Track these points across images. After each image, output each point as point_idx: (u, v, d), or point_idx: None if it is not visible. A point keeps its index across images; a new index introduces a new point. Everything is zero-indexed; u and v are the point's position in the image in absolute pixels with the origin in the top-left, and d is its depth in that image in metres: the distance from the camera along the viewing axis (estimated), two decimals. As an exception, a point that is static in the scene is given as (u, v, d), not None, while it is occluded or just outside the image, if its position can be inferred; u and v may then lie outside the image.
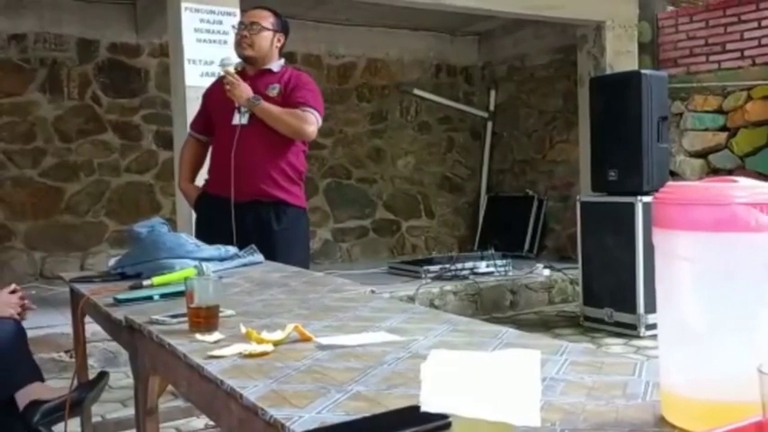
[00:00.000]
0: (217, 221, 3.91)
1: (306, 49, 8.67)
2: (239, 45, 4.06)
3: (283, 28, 4.15)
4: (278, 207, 4.00)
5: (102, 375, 3.13)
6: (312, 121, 3.92)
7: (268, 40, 4.04)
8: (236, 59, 4.06)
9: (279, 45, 4.12)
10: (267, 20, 4.07)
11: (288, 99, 3.96)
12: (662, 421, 1.15)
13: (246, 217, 3.93)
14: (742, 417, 0.92)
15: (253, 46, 4.02)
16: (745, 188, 1.06)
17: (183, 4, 5.48)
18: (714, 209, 1.05)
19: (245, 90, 3.90)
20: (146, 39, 7.82)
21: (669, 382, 1.15)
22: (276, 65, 4.12)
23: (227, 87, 3.91)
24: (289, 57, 8.53)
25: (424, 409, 0.99)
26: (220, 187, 3.98)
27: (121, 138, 7.84)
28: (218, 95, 4.05)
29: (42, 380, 3.11)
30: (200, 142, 4.31)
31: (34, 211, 7.49)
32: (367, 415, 1.22)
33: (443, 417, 1.01)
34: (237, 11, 5.53)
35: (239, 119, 3.95)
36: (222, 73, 3.99)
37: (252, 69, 4.07)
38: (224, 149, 3.97)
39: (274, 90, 3.99)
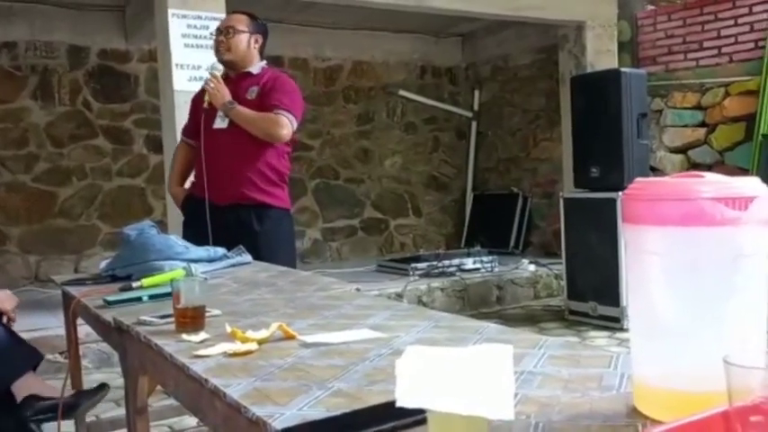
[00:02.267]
0: (200, 223, 3.91)
1: (293, 53, 8.67)
2: (217, 50, 4.10)
3: (260, 29, 4.17)
4: (259, 210, 4.00)
5: (102, 387, 3.12)
6: (284, 124, 3.91)
7: (244, 42, 4.06)
8: (220, 65, 4.08)
9: (257, 46, 4.13)
10: (242, 23, 4.10)
11: (264, 101, 3.96)
12: (634, 412, 1.15)
13: (228, 220, 3.93)
14: (710, 406, 0.92)
15: (230, 49, 4.05)
16: (711, 183, 1.06)
17: (171, 11, 5.49)
18: (681, 204, 1.05)
19: (224, 94, 3.93)
20: (135, 45, 7.81)
21: (640, 373, 1.16)
22: (257, 67, 4.13)
23: (207, 89, 3.96)
24: (276, 60, 8.54)
25: (399, 404, 0.98)
26: (203, 190, 4.00)
27: (113, 142, 7.83)
28: (203, 101, 4.06)
29: (40, 357, 3.10)
30: (191, 147, 4.30)
31: (28, 216, 7.48)
32: (346, 411, 1.23)
33: (420, 412, 1.01)
34: (224, 16, 5.52)
35: (220, 123, 3.98)
36: (208, 77, 4.01)
37: (233, 73, 4.09)
38: (205, 153, 3.99)
39: (253, 93, 4.01)
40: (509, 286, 7.15)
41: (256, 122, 3.91)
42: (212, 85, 3.96)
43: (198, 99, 4.25)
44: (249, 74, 4.10)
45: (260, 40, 4.15)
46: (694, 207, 1.04)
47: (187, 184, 4.35)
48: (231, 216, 3.94)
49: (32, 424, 2.86)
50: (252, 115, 3.91)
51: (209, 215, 3.92)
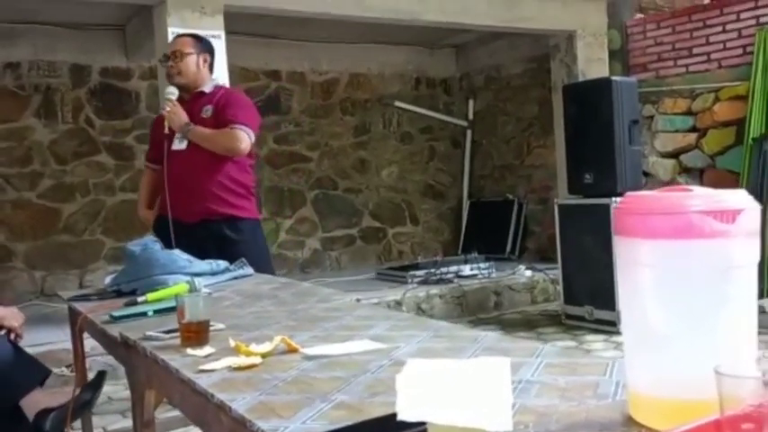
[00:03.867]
0: (174, 242, 3.86)
1: (290, 67, 8.69)
2: (168, 75, 4.16)
3: (206, 48, 4.24)
4: (230, 223, 4.06)
5: (102, 375, 3.13)
6: (242, 138, 3.96)
7: (193, 63, 4.12)
8: (174, 90, 4.12)
9: (206, 65, 4.19)
10: (187, 45, 4.15)
11: (219, 118, 4.02)
12: (630, 420, 1.16)
13: (200, 236, 3.95)
14: (703, 414, 0.93)
15: (180, 73, 4.11)
16: (699, 197, 1.07)
17: (170, 29, 5.51)
18: (671, 217, 1.06)
19: (181, 117, 4.00)
20: (135, 62, 7.82)
21: (635, 382, 1.16)
22: (209, 86, 4.20)
23: (165, 115, 4.03)
24: (274, 75, 8.59)
25: (400, 417, 0.99)
26: (170, 209, 4.02)
27: (115, 158, 7.82)
28: (162, 125, 4.11)
29: (48, 372, 3.10)
30: (156, 171, 4.36)
31: (33, 232, 7.47)
32: (349, 423, 1.23)
33: (420, 423, 1.02)
34: (222, 33, 5.56)
35: (178, 144, 4.04)
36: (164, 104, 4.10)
37: (187, 95, 4.14)
38: (168, 174, 4.03)
39: (208, 112, 4.07)
40: (506, 292, 7.15)
41: (214, 139, 3.98)
42: (168, 109, 4.02)
43: (157, 125, 4.31)
44: (202, 93, 4.16)
45: (208, 59, 4.21)
46: (684, 220, 1.05)
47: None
48: (203, 232, 3.98)
49: None
50: (209, 133, 3.98)
51: (173, 233, 3.94)
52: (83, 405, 2.98)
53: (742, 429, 0.84)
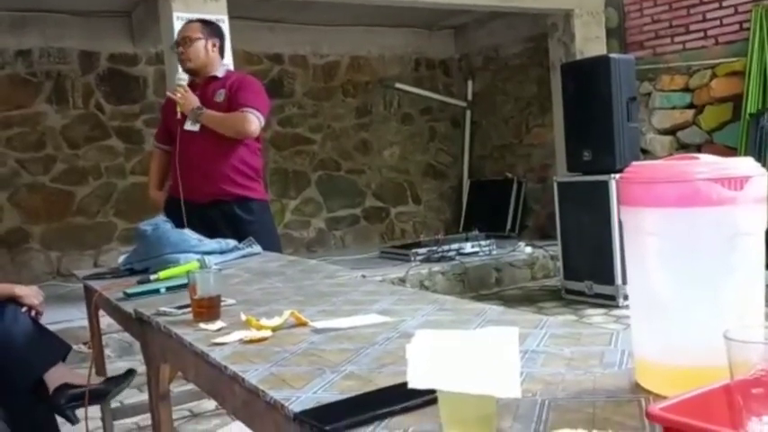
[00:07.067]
0: (186, 222, 3.83)
1: (292, 51, 8.67)
2: (179, 61, 4.17)
3: (215, 33, 4.23)
4: (241, 203, 4.08)
5: (130, 373, 3.13)
6: (251, 120, 3.97)
7: (201, 48, 4.11)
8: (185, 75, 4.13)
9: (215, 49, 4.18)
10: (195, 31, 4.14)
11: (231, 102, 4.03)
12: (637, 387, 1.14)
13: (212, 216, 3.98)
14: (711, 380, 0.91)
15: (190, 59, 4.11)
16: (706, 164, 1.05)
17: (175, 14, 5.49)
18: (677, 185, 1.04)
19: (192, 101, 4.01)
20: (142, 48, 7.80)
21: (642, 349, 1.15)
22: (221, 70, 4.21)
23: (176, 99, 4.02)
24: (276, 58, 8.57)
25: (411, 386, 0.98)
26: (182, 191, 4.02)
27: (125, 142, 7.84)
28: (173, 107, 4.11)
29: (69, 348, 3.10)
30: (165, 152, 4.37)
31: (48, 215, 7.49)
32: (359, 393, 1.22)
33: (430, 392, 1.01)
34: (226, 17, 5.53)
35: (191, 126, 4.05)
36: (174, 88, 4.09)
37: (199, 78, 4.15)
38: (181, 155, 4.04)
39: (221, 96, 4.08)
40: (507, 268, 7.13)
41: (225, 122, 3.98)
42: (179, 95, 4.02)
43: (167, 107, 4.32)
44: (215, 78, 4.16)
45: (217, 43, 4.20)
46: (690, 188, 1.03)
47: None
48: (215, 212, 4.01)
49: (68, 411, 2.88)
50: (220, 117, 3.99)
51: (185, 214, 3.93)
52: (102, 394, 2.98)
53: (752, 394, 0.82)
